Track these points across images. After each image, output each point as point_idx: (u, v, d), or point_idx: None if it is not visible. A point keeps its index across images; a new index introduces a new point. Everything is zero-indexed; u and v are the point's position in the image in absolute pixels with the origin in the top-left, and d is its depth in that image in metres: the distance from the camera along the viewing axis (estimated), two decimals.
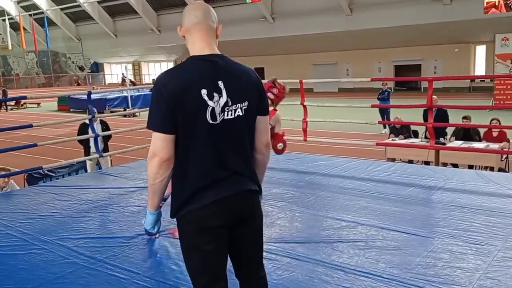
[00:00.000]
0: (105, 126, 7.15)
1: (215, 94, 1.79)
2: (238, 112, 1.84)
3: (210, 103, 1.78)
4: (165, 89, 1.76)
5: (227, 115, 1.82)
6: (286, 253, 3.25)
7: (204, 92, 1.77)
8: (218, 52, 1.91)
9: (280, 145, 3.28)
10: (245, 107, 1.86)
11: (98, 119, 7.01)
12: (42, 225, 4.00)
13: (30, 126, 5.96)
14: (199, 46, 1.88)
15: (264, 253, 3.24)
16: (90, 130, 6.59)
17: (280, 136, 3.29)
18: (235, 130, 1.85)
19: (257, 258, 2.08)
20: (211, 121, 1.79)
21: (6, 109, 24.98)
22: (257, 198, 2.00)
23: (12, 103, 25.17)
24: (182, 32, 1.94)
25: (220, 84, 1.81)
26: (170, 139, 1.79)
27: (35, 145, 5.88)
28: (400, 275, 2.84)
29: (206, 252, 1.84)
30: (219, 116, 1.80)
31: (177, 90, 1.75)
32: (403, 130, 8.46)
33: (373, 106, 7.60)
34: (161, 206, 3.38)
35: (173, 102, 1.75)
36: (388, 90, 13.30)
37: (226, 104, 1.81)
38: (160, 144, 1.78)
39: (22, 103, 25.36)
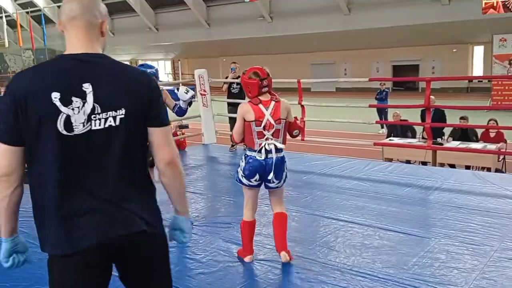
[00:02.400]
0: None
1: (75, 99, 1.44)
2: (110, 121, 1.48)
3: (63, 109, 1.43)
4: (10, 91, 1.45)
5: (95, 125, 1.46)
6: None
7: (55, 96, 1.42)
8: (98, 52, 1.56)
9: (295, 132, 3.19)
10: (121, 116, 1.49)
11: None
12: None
13: None
14: (73, 45, 1.54)
15: (260, 253, 3.25)
16: None
17: (294, 123, 3.16)
18: (105, 145, 1.48)
19: None
20: (65, 132, 1.43)
21: None
22: (150, 239, 1.58)
23: None
24: (61, 27, 1.59)
25: (87, 86, 1.46)
26: (13, 151, 1.45)
27: None
28: (397, 275, 2.84)
29: None
30: (83, 126, 1.45)
31: (20, 93, 1.43)
32: (404, 128, 8.45)
33: (370, 106, 7.61)
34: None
35: (15, 107, 1.42)
36: (386, 90, 13.31)
37: (92, 111, 1.46)
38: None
39: None
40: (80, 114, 1.45)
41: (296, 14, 22.64)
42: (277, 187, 3.11)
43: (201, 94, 7.17)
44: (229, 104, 7.53)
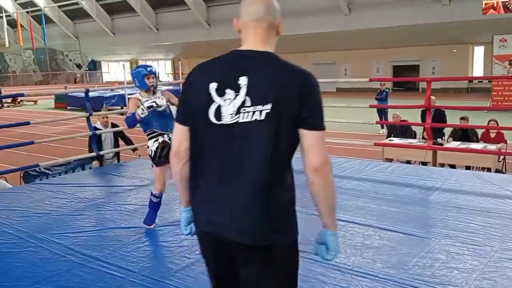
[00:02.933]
0: (118, 132, 6.88)
1: (229, 91, 1.52)
2: (256, 115, 1.49)
3: (216, 99, 1.52)
4: (188, 78, 1.66)
5: (243, 118, 1.50)
6: None
7: (212, 86, 1.54)
8: (266, 50, 1.61)
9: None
10: (267, 111, 1.49)
11: (110, 123, 6.76)
12: (39, 222, 3.99)
13: (28, 123, 5.94)
14: (249, 43, 1.62)
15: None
16: (103, 137, 6.49)
17: None
18: (247, 139, 1.50)
19: None
20: (214, 121, 1.53)
21: (2, 106, 24.89)
22: (273, 256, 1.56)
23: (9, 100, 25.08)
24: (239, 26, 1.66)
25: (242, 80, 1.52)
26: (182, 131, 1.62)
27: (32, 142, 5.86)
28: (397, 275, 2.84)
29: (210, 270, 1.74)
30: (231, 117, 1.51)
31: (189, 82, 1.63)
32: (404, 129, 8.45)
33: (371, 106, 7.60)
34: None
35: (186, 93, 1.63)
36: (386, 90, 13.31)
37: (242, 104, 1.51)
38: (175, 134, 1.66)
39: (18, 100, 25.27)
40: (230, 105, 1.52)
41: (296, 14, 22.64)
42: None
43: None
44: None
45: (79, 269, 3.09)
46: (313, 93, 1.54)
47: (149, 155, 3.71)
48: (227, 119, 1.52)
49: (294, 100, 1.50)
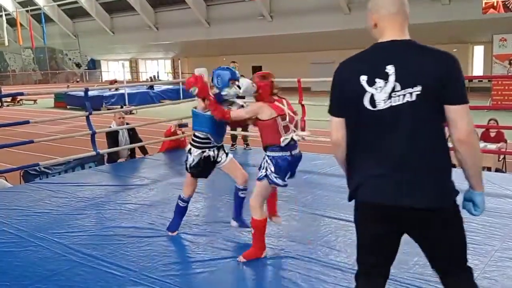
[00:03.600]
0: (132, 131, 6.96)
1: (378, 80, 1.70)
2: (408, 97, 1.67)
3: (368, 89, 1.72)
4: (334, 76, 1.85)
5: (395, 102, 1.69)
6: (284, 252, 3.24)
7: (363, 78, 1.73)
8: (406, 38, 1.80)
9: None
10: (417, 93, 1.66)
11: (126, 123, 6.85)
12: (39, 222, 3.98)
13: (27, 122, 5.93)
14: (387, 35, 1.80)
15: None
16: (119, 136, 6.58)
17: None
18: (402, 119, 1.68)
19: (448, 260, 1.90)
20: (370, 108, 1.72)
21: (2, 105, 24.86)
22: (440, 220, 1.75)
23: (8, 99, 25.05)
24: (375, 19, 1.83)
25: (389, 68, 1.70)
26: (338, 123, 1.83)
27: (31, 141, 5.85)
28: (398, 274, 2.84)
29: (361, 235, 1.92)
30: (384, 102, 1.70)
31: (340, 77, 1.82)
32: None
33: None
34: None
35: (337, 88, 1.83)
36: None
37: (393, 89, 1.69)
38: (332, 126, 1.85)
39: (18, 99, 25.24)
40: (381, 93, 1.71)
41: (296, 13, 22.64)
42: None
43: None
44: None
45: (80, 268, 3.09)
46: (456, 72, 1.72)
47: (188, 162, 3.49)
48: (381, 105, 1.71)
49: (440, 80, 1.67)
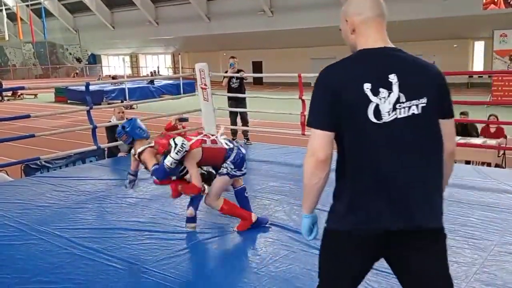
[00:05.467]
0: None
1: (382, 90, 1.55)
2: (413, 110, 1.57)
3: (373, 99, 1.55)
4: (324, 85, 1.62)
5: (400, 114, 1.56)
6: (284, 246, 3.26)
7: (367, 86, 1.55)
8: (392, 46, 1.68)
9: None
10: (423, 105, 1.57)
11: (126, 117, 6.84)
12: (40, 215, 4.00)
13: (28, 116, 5.93)
14: (372, 39, 1.66)
15: (262, 245, 3.27)
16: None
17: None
18: (409, 133, 1.57)
19: None
20: (374, 120, 1.55)
21: (2, 99, 24.85)
22: (439, 241, 1.70)
23: (9, 93, 25.05)
24: (354, 25, 1.69)
25: (392, 77, 1.57)
26: (328, 137, 1.59)
27: (32, 135, 5.86)
28: None
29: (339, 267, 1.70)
30: (388, 114, 1.55)
31: (336, 85, 1.58)
32: None
33: None
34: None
35: (331, 98, 1.57)
36: None
37: (397, 100, 1.56)
38: (316, 142, 1.59)
39: (19, 94, 25.23)
40: (386, 103, 1.55)
41: (296, 9, 22.57)
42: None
43: (202, 88, 7.16)
44: (229, 98, 7.53)
45: (81, 262, 3.10)
46: (447, 85, 1.69)
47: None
48: (385, 117, 1.56)
49: (438, 93, 1.63)
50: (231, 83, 7.50)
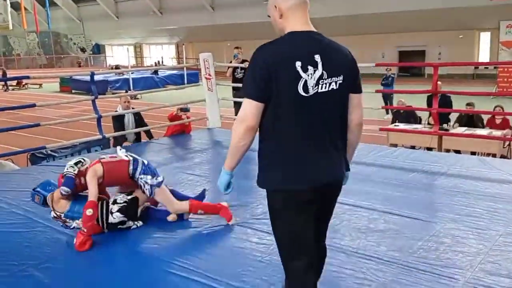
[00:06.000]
0: (137, 115, 6.97)
1: (310, 67, 1.81)
2: (333, 85, 1.86)
3: (303, 75, 1.80)
4: (261, 61, 1.83)
5: (321, 88, 1.84)
6: None
7: (298, 64, 1.80)
8: (315, 29, 1.94)
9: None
10: (340, 82, 1.88)
11: (131, 107, 6.86)
12: None
13: (34, 105, 5.95)
14: (300, 23, 1.91)
15: (263, 234, 3.27)
16: (125, 120, 6.61)
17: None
18: (327, 105, 1.86)
19: (325, 230, 2.18)
20: (303, 93, 1.81)
21: (7, 89, 24.91)
22: (341, 183, 2.05)
23: (14, 83, 25.10)
24: (280, 11, 1.93)
25: (317, 57, 1.83)
26: (259, 108, 1.83)
27: (38, 124, 5.88)
28: (402, 258, 2.86)
29: (293, 223, 1.93)
30: (312, 89, 1.82)
31: (272, 62, 1.80)
32: (408, 115, 8.42)
33: (377, 91, 7.57)
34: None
35: (267, 73, 1.80)
36: (392, 75, 13.23)
37: (321, 77, 1.83)
38: (250, 111, 1.83)
39: (23, 83, 25.27)
40: (312, 79, 1.82)
41: None
42: None
43: (206, 78, 7.15)
44: (233, 88, 7.52)
45: (89, 249, 3.13)
46: (357, 66, 1.99)
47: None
48: (311, 91, 1.82)
49: (351, 72, 1.93)
50: (235, 73, 7.49)
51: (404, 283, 2.59)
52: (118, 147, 3.71)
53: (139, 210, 3.42)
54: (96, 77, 6.71)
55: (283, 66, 1.80)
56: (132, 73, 20.07)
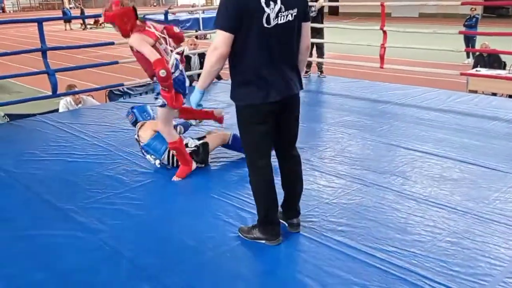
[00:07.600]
0: (203, 58, 7.03)
1: (271, 2, 2.15)
2: (289, 17, 2.22)
3: (266, 9, 2.15)
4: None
5: (280, 20, 2.19)
6: (356, 179, 3.26)
7: (262, 0, 2.14)
8: None
9: (162, 72, 2.98)
10: (295, 13, 2.23)
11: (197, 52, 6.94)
12: (125, 138, 4.26)
13: (112, 43, 6.15)
14: None
15: (331, 177, 3.28)
16: (191, 61, 6.75)
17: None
18: (285, 33, 2.24)
19: (293, 139, 2.51)
20: (265, 25, 2.17)
21: (85, 27, 25.92)
22: (299, 97, 2.45)
23: (91, 21, 26.03)
24: None
25: None
26: (230, 38, 2.17)
27: (116, 62, 6.12)
28: (476, 209, 2.77)
29: (259, 131, 2.33)
30: (273, 20, 2.17)
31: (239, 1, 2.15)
32: (492, 59, 7.82)
33: (460, 32, 7.05)
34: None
35: (238, 9, 2.13)
36: (476, 16, 12.19)
37: (280, 10, 2.18)
38: (222, 41, 2.17)
39: (100, 22, 26.13)
40: (273, 12, 2.17)
41: None
42: None
43: None
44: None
45: (163, 181, 3.33)
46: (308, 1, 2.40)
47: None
48: (272, 22, 2.18)
49: (303, 4, 2.31)
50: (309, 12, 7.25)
51: (477, 233, 2.52)
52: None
53: (209, 157, 3.52)
54: (169, 17, 6.77)
55: (251, 1, 2.13)
56: (203, 12, 20.01)
